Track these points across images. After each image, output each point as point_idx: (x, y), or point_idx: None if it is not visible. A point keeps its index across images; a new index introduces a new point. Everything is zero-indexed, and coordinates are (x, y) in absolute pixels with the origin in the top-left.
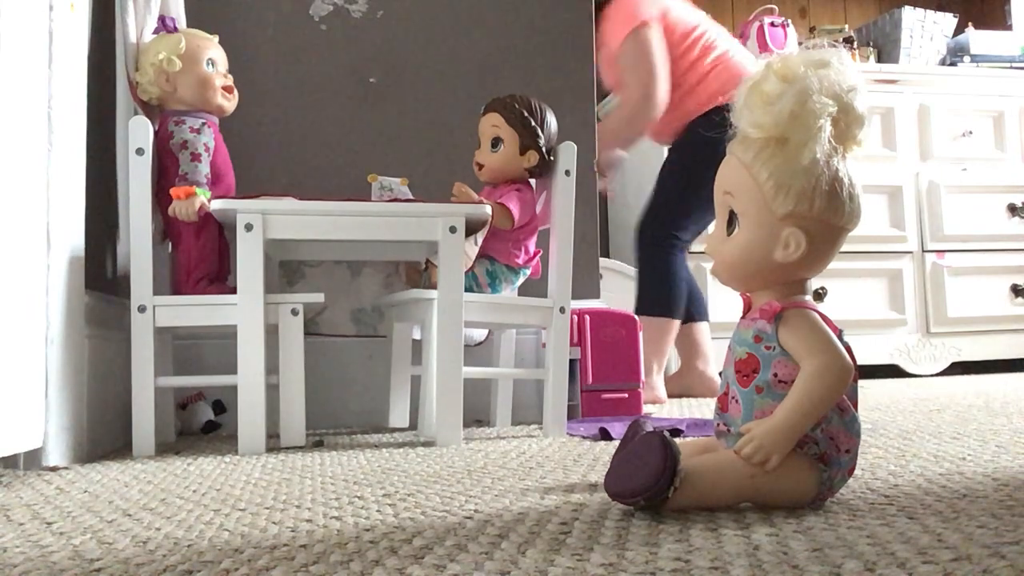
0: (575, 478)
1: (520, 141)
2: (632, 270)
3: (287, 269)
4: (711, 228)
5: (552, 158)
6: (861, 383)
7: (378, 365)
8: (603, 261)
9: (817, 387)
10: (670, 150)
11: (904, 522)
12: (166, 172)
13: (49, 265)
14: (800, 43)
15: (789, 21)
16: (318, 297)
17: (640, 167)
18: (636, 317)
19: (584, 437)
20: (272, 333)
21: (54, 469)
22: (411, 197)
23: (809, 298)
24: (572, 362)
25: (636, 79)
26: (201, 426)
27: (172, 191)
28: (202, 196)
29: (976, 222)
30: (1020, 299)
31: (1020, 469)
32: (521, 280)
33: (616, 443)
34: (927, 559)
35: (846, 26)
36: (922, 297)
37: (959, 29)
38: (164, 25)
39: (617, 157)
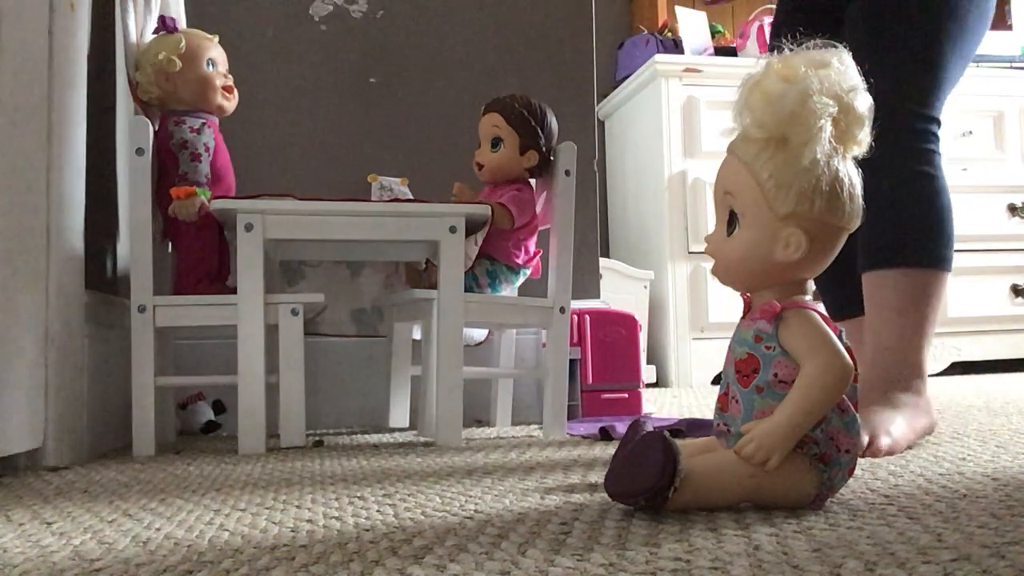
0: (575, 478)
1: (520, 141)
2: (632, 270)
3: (287, 269)
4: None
5: (552, 158)
6: (861, 383)
7: (378, 365)
8: (603, 261)
9: (817, 387)
10: None
11: (904, 522)
12: (166, 172)
13: (49, 265)
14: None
15: None
16: (318, 297)
17: (640, 162)
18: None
19: (584, 437)
20: (272, 333)
21: (54, 469)
22: (411, 197)
23: (809, 298)
24: (572, 362)
25: None
26: (201, 426)
27: (172, 191)
28: (202, 196)
29: (976, 222)
30: (1020, 299)
31: (1020, 469)
32: (521, 280)
33: (616, 443)
34: (927, 559)
35: None
36: None
37: None
38: (164, 25)
39: None
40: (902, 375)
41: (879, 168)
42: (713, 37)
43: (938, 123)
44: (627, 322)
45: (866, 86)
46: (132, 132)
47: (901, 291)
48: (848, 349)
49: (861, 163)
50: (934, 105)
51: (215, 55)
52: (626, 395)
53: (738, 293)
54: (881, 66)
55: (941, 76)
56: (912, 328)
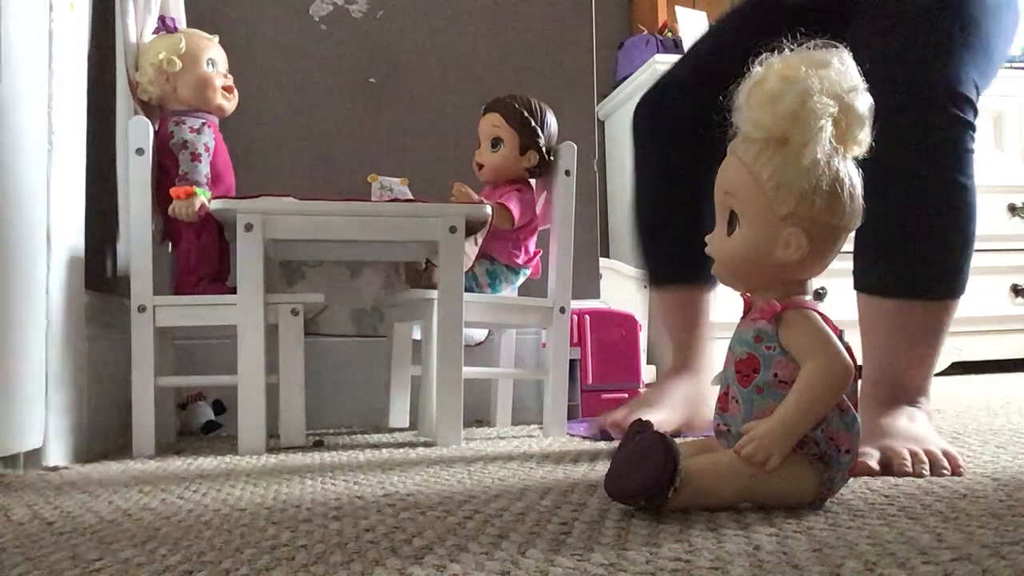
0: (575, 478)
1: (520, 141)
2: (633, 270)
3: (287, 269)
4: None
5: (552, 158)
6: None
7: (378, 365)
8: (603, 261)
9: (818, 387)
10: None
11: (904, 522)
12: (166, 172)
13: (49, 265)
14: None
15: None
16: (318, 297)
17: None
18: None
19: (584, 437)
20: (272, 333)
21: (54, 469)
22: (411, 197)
23: (810, 298)
24: (572, 362)
25: None
26: (201, 426)
27: (172, 191)
28: (202, 196)
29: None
30: (1020, 299)
31: (1020, 469)
32: (521, 280)
33: (616, 443)
34: (927, 559)
35: None
36: None
37: None
38: (164, 25)
39: None
40: (908, 394)
41: (907, 170)
42: None
43: (975, 111)
44: (627, 322)
45: (891, 56)
46: (132, 132)
47: (917, 323)
48: (848, 349)
49: (877, 157)
50: (973, 84)
51: (215, 55)
52: (626, 395)
53: (738, 293)
54: (907, 31)
55: (985, 45)
56: (924, 357)
